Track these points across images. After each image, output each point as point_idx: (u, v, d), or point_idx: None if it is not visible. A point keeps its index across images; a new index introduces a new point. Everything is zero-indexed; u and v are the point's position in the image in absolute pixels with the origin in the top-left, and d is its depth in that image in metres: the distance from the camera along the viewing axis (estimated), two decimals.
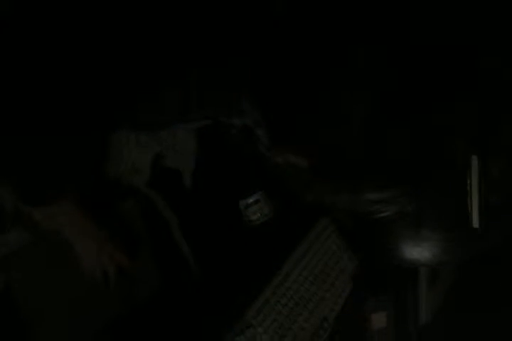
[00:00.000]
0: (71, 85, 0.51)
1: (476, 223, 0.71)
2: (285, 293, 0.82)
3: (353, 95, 0.40)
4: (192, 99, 0.57)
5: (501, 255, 0.79)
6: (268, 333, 0.78)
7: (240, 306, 0.79)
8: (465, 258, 0.81)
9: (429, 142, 0.43)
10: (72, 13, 0.45)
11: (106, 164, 0.74)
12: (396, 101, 0.40)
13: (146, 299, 0.74)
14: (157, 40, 0.48)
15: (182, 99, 0.58)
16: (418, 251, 0.80)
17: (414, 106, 0.41)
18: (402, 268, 0.93)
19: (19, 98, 0.51)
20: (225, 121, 0.80)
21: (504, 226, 0.75)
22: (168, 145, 0.77)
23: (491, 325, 0.86)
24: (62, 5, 0.45)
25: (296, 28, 0.42)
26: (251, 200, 0.83)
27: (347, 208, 0.51)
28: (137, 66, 0.49)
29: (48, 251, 0.70)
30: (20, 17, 0.46)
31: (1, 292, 0.66)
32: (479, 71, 0.43)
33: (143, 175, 0.77)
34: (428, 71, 0.41)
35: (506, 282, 0.88)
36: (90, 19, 0.46)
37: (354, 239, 0.89)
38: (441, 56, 0.40)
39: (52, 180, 0.63)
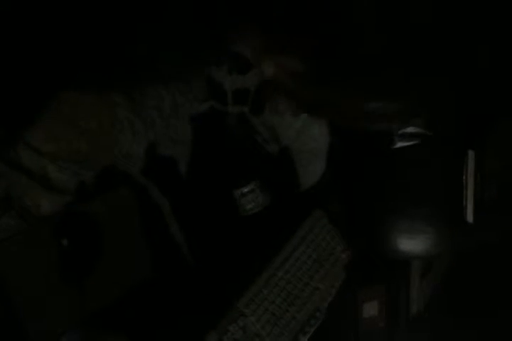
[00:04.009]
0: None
1: (470, 217, 0.71)
2: (278, 282, 0.82)
3: None
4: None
5: (495, 250, 0.79)
6: (260, 322, 0.79)
7: (232, 295, 0.79)
8: (458, 252, 0.81)
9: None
10: None
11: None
12: None
13: (138, 287, 0.74)
14: None
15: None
16: (411, 244, 0.80)
17: None
18: (395, 260, 0.93)
19: None
20: (221, 109, 0.79)
21: (498, 221, 0.75)
22: (164, 133, 0.77)
23: (481, 317, 0.87)
24: None
25: None
26: (246, 190, 0.83)
27: (345, 116, 0.45)
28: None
29: (39, 238, 0.69)
30: None
31: None
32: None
33: (137, 162, 0.77)
34: None
35: (497, 274, 0.89)
36: None
37: (348, 230, 0.89)
38: None
39: None
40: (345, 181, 0.86)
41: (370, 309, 0.96)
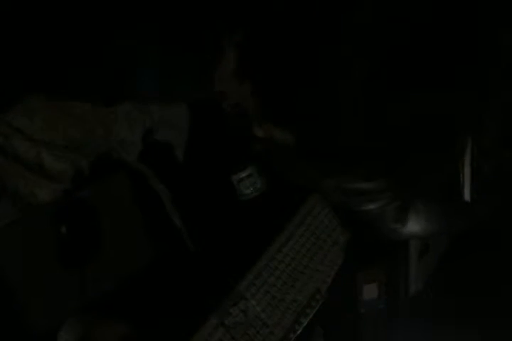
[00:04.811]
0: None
1: (467, 196, 0.71)
2: (278, 265, 0.82)
3: (353, 60, 0.37)
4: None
5: (492, 228, 0.80)
6: (261, 305, 0.79)
7: (233, 279, 0.80)
8: (456, 231, 0.81)
9: (428, 122, 0.40)
10: None
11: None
12: (399, 69, 0.37)
13: (138, 273, 0.75)
14: None
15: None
16: (408, 224, 0.80)
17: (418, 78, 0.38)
18: (392, 240, 0.93)
19: None
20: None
21: (495, 200, 0.75)
22: (160, 119, 0.76)
23: (483, 296, 0.88)
24: None
25: None
26: (244, 174, 0.83)
27: (330, 196, 0.49)
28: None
29: (37, 226, 0.69)
30: None
31: None
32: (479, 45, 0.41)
33: (134, 149, 0.76)
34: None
35: (498, 253, 0.89)
36: None
37: (345, 212, 0.90)
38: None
39: None
40: None
41: (370, 291, 0.96)
